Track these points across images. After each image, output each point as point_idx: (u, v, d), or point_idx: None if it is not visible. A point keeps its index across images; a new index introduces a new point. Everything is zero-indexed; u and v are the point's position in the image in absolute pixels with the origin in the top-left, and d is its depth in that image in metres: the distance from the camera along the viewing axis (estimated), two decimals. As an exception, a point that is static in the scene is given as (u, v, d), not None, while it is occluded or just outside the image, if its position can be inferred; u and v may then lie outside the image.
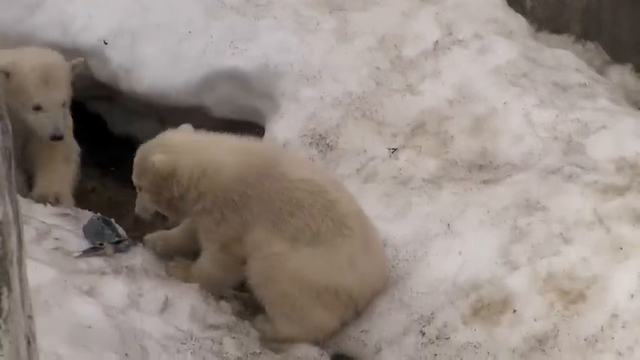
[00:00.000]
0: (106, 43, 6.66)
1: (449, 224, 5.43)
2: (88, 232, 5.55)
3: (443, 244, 5.35)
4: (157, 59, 6.57)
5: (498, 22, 6.76)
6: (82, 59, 6.08)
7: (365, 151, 5.98)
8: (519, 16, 6.96)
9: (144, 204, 5.45)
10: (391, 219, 5.57)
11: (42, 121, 5.81)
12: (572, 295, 4.91)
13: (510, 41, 6.51)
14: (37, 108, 5.79)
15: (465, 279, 5.15)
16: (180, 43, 6.58)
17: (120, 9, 6.78)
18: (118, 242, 5.47)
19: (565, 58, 6.55)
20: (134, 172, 5.41)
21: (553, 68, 6.38)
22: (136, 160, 5.39)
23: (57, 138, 5.82)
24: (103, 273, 5.14)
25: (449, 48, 6.46)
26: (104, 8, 6.79)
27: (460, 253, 5.27)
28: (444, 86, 6.25)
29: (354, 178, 5.83)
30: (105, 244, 5.42)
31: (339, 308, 5.16)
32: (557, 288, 4.96)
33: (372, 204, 5.60)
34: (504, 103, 6.05)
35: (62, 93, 5.88)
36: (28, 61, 5.86)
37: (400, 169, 5.83)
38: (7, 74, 5.79)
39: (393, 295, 5.27)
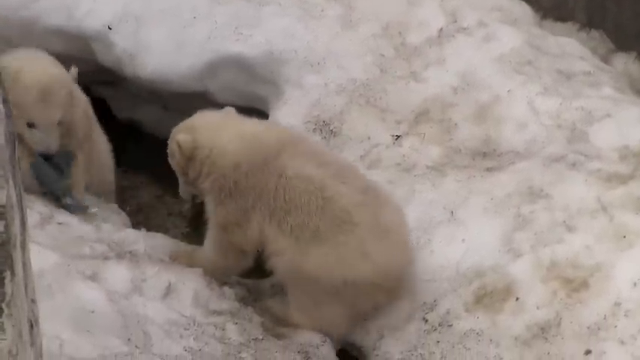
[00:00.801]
0: (110, 29, 6.65)
1: (452, 212, 5.43)
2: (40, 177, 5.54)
3: (446, 232, 5.35)
4: (161, 45, 6.56)
5: (503, 10, 6.75)
6: (76, 69, 5.76)
7: (369, 138, 5.98)
8: (524, 3, 6.95)
9: (181, 186, 5.46)
10: (394, 206, 5.56)
11: (34, 138, 5.51)
12: (575, 283, 4.91)
13: (515, 29, 6.50)
14: (31, 125, 5.48)
15: (468, 266, 5.15)
16: (185, 29, 6.56)
17: (124, -6, 6.78)
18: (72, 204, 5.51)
19: (569, 46, 6.54)
20: (169, 153, 5.41)
21: (557, 56, 6.37)
22: (169, 141, 5.38)
23: (47, 156, 5.54)
24: (106, 258, 5.14)
25: (453, 35, 6.45)
26: (109, -7, 6.80)
27: (463, 240, 5.27)
28: (448, 74, 6.25)
29: (357, 165, 5.82)
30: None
31: (363, 301, 5.09)
32: (560, 276, 4.96)
33: (375, 191, 5.59)
34: (508, 90, 6.04)
35: (58, 112, 5.52)
36: (28, 73, 5.47)
37: (404, 156, 5.83)
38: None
39: (395, 282, 5.27)
